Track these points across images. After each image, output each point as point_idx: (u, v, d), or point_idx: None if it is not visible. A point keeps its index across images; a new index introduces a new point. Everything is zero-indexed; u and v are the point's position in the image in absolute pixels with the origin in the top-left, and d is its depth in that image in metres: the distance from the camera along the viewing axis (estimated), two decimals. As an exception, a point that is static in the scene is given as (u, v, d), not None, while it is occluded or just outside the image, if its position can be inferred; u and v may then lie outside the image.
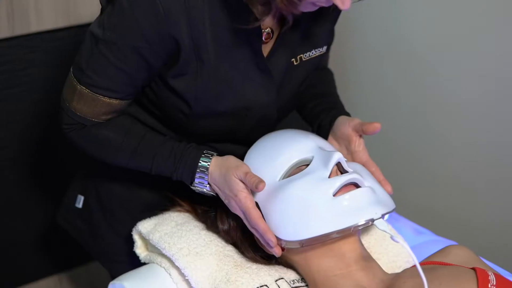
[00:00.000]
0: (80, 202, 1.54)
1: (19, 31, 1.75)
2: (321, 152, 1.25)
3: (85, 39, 1.25)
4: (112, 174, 1.46)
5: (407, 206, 2.08)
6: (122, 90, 1.26)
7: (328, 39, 1.41)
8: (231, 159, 1.25)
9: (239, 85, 1.28)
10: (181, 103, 1.29)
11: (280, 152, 1.27)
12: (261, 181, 1.19)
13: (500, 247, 2.03)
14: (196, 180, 1.27)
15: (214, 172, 1.26)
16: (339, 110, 1.46)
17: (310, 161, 1.25)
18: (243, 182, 1.21)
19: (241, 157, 1.31)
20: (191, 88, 1.26)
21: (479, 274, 1.16)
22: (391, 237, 1.14)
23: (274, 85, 1.32)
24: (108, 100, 1.26)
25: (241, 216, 1.23)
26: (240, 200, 1.21)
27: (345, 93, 2.22)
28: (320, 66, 1.54)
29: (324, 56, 1.49)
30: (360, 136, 1.37)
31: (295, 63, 1.34)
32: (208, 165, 1.26)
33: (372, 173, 1.34)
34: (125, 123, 1.32)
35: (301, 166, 1.26)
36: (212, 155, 1.28)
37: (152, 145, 1.31)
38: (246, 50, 1.26)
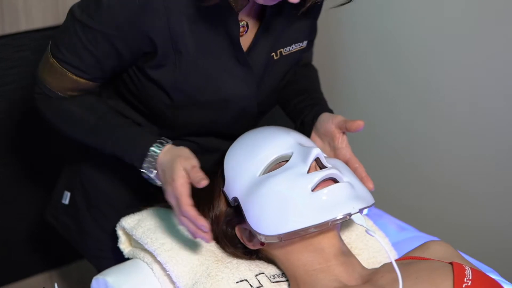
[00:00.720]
0: (66, 198, 1.55)
1: (9, 29, 1.77)
2: (300, 148, 1.26)
3: (66, 15, 1.30)
4: (98, 171, 1.48)
5: (392, 204, 2.10)
6: (90, 71, 1.29)
7: (310, 34, 1.43)
8: (184, 150, 1.26)
9: (219, 78, 1.30)
10: (162, 94, 1.31)
11: (261, 148, 1.29)
12: (204, 178, 1.19)
13: (482, 244, 2.06)
14: (144, 165, 1.28)
15: (163, 158, 1.26)
16: (322, 106, 1.47)
17: (290, 157, 1.26)
18: (187, 173, 1.21)
19: (226, 149, 1.34)
20: (171, 79, 1.28)
21: (456, 268, 1.17)
22: (366, 231, 1.16)
23: (254, 79, 1.34)
24: (76, 77, 1.30)
25: (173, 203, 1.23)
26: (176, 187, 1.20)
27: (333, 91, 2.25)
28: (304, 63, 1.55)
29: (307, 52, 1.51)
30: (343, 133, 1.39)
31: (275, 58, 1.36)
32: (159, 150, 1.26)
33: (355, 170, 1.35)
34: (90, 100, 1.35)
35: (281, 162, 1.27)
36: (167, 142, 1.28)
37: (110, 124, 1.32)
38: (225, 43, 1.28)
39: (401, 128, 2.22)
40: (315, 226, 1.18)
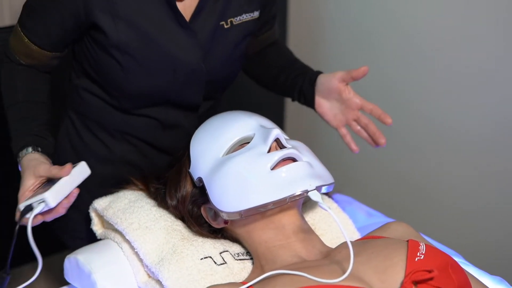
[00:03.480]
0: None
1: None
2: (261, 130, 1.31)
3: None
4: (72, 153, 1.55)
5: (362, 192, 2.15)
6: (39, 36, 1.38)
7: (262, 4, 1.48)
8: (37, 160, 1.29)
9: (161, 41, 1.37)
10: (111, 60, 1.38)
11: (224, 130, 1.34)
12: (63, 167, 1.23)
13: (449, 229, 2.11)
14: (17, 158, 1.33)
15: (21, 165, 1.31)
16: (313, 71, 1.54)
17: (252, 138, 1.31)
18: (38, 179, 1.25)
19: (188, 126, 1.44)
20: (115, 43, 1.35)
21: (410, 244, 1.22)
22: (319, 204, 1.20)
23: (198, 44, 1.39)
24: (27, 41, 1.38)
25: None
26: (22, 180, 1.26)
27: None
28: (271, 41, 1.62)
29: (270, 31, 1.58)
30: (347, 84, 1.47)
31: (225, 26, 1.42)
32: (27, 152, 1.31)
33: (371, 111, 1.45)
34: (35, 81, 1.43)
35: (243, 144, 1.32)
36: (36, 149, 1.32)
37: (25, 111, 1.38)
38: (165, 8, 1.35)
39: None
40: (274, 203, 1.23)
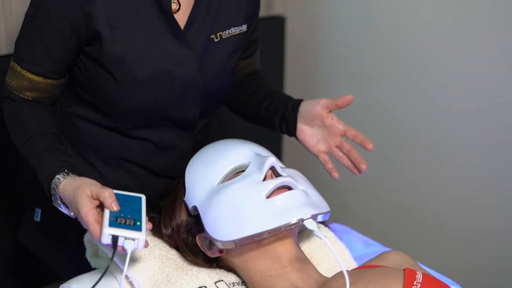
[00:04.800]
0: (38, 215, 1.59)
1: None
2: (256, 158, 1.31)
3: None
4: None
5: (359, 222, 2.15)
6: (41, 64, 1.35)
7: (249, 18, 1.49)
8: (85, 179, 1.23)
9: (157, 52, 1.36)
10: (105, 74, 1.36)
11: (219, 158, 1.33)
12: (114, 201, 1.17)
13: (446, 258, 2.10)
14: (52, 194, 1.26)
15: (64, 187, 1.23)
16: (295, 99, 1.54)
17: (247, 166, 1.31)
18: (91, 199, 1.19)
19: (183, 147, 1.43)
20: (110, 55, 1.34)
21: (407, 273, 1.21)
22: (314, 233, 1.19)
23: (193, 56, 1.39)
24: (30, 75, 1.36)
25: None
26: (82, 218, 1.18)
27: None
28: (252, 70, 1.62)
29: (252, 57, 1.60)
30: (330, 111, 1.47)
31: (215, 40, 1.42)
32: (59, 182, 1.24)
33: (354, 136, 1.45)
34: (43, 113, 1.39)
35: (239, 172, 1.32)
36: (69, 174, 1.25)
37: (42, 144, 1.32)
38: (160, 18, 1.35)
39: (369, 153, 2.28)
40: (269, 232, 1.22)
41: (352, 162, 1.48)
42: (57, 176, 1.24)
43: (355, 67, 2.30)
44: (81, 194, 1.18)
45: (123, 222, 1.17)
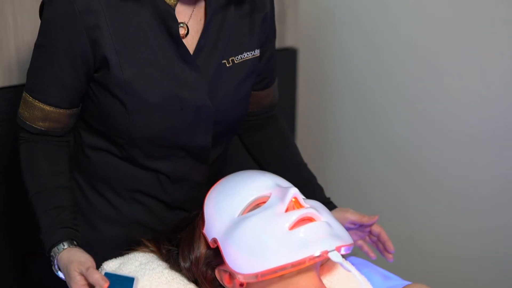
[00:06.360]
0: None
1: (1, 83, 1.81)
2: (278, 189, 1.28)
3: None
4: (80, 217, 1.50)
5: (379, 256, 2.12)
6: (52, 93, 1.35)
7: (262, 44, 1.48)
8: (78, 253, 1.28)
9: (166, 77, 1.35)
10: (115, 101, 1.35)
11: (240, 190, 1.31)
12: (103, 280, 1.21)
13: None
14: (51, 260, 1.31)
15: (61, 257, 1.29)
16: (321, 195, 1.57)
17: (268, 197, 1.28)
18: (83, 276, 1.24)
19: (197, 178, 1.42)
20: (119, 81, 1.33)
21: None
22: (341, 265, 1.16)
23: (203, 81, 1.37)
24: (42, 105, 1.35)
25: None
26: None
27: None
28: (270, 101, 1.60)
29: (271, 88, 1.57)
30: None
31: (227, 65, 1.40)
32: (58, 251, 1.30)
33: (379, 234, 1.49)
34: (57, 160, 1.39)
35: (260, 203, 1.29)
36: (69, 246, 1.30)
37: (51, 202, 1.35)
38: (168, 43, 1.34)
39: (384, 179, 2.26)
40: (292, 264, 1.19)
41: (381, 243, 1.53)
42: (57, 246, 1.30)
43: (367, 99, 2.29)
44: (73, 271, 1.24)
45: None
